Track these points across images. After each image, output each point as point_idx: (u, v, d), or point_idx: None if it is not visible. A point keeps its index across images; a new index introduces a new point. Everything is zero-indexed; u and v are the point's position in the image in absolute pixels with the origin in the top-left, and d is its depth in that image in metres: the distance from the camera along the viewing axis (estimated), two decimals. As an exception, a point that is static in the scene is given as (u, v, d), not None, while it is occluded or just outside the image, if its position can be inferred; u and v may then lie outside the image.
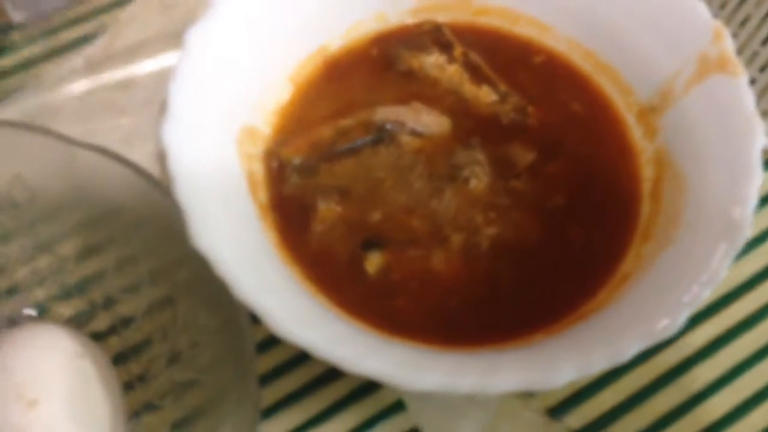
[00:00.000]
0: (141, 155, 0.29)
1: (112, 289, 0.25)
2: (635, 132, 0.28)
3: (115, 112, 0.31)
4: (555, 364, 0.22)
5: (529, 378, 0.21)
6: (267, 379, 0.25)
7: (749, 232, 0.23)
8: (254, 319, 0.22)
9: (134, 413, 0.24)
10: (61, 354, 0.22)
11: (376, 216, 0.27)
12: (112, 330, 0.25)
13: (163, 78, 0.32)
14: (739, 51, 0.30)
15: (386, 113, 0.29)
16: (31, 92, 0.32)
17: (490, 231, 0.26)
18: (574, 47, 0.30)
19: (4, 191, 0.26)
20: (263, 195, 0.27)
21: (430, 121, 0.29)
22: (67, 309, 0.26)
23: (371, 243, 0.26)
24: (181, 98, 0.25)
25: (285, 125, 0.29)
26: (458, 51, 0.30)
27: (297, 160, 0.28)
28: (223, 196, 0.25)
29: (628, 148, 0.28)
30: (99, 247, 0.26)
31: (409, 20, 0.31)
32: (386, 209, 0.27)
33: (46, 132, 0.27)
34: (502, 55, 0.31)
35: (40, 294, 0.26)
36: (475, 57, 0.30)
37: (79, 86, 0.32)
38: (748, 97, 0.25)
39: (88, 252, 0.26)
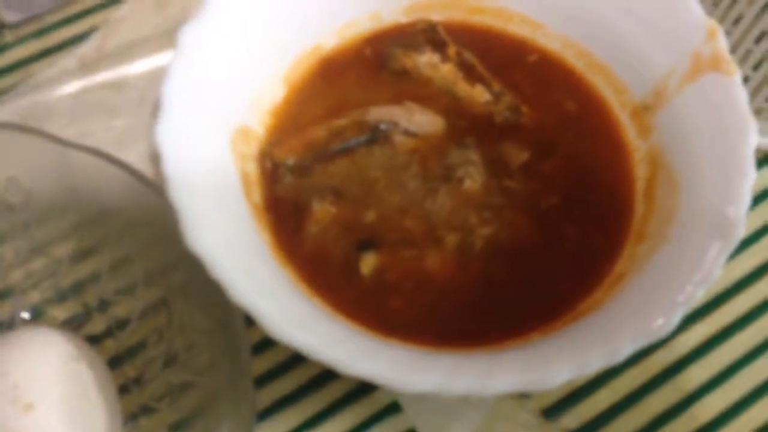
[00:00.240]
0: (134, 156, 0.29)
1: (107, 292, 0.25)
2: (629, 131, 0.28)
3: (108, 113, 0.31)
4: (550, 364, 0.22)
5: (524, 379, 0.21)
6: (262, 380, 0.25)
7: (743, 231, 0.23)
8: (249, 321, 0.22)
9: (131, 416, 0.24)
10: (56, 357, 0.22)
11: (370, 216, 0.27)
12: (107, 333, 0.25)
13: (156, 78, 0.32)
14: (732, 49, 0.30)
15: (380, 113, 0.29)
16: (23, 92, 0.32)
17: (485, 231, 0.26)
18: (568, 46, 0.30)
19: (5, 194, 0.26)
20: (257, 195, 0.27)
21: (424, 121, 0.29)
22: (62, 312, 0.25)
23: (366, 244, 0.26)
24: (174, 98, 0.25)
25: (279, 125, 0.29)
26: (452, 50, 0.30)
27: (291, 161, 0.28)
28: (217, 196, 0.25)
29: (622, 147, 0.28)
30: (93, 249, 0.26)
31: (403, 19, 0.31)
32: (380, 209, 0.27)
33: (40, 134, 0.26)
34: (496, 54, 0.31)
35: (34, 297, 0.26)
36: (468, 56, 0.30)
37: (72, 86, 0.32)
38: (741, 95, 0.25)
39: (82, 254, 0.26)
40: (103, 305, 0.26)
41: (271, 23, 0.28)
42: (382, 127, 0.28)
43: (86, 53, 0.33)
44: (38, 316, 0.26)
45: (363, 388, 0.26)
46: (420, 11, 0.31)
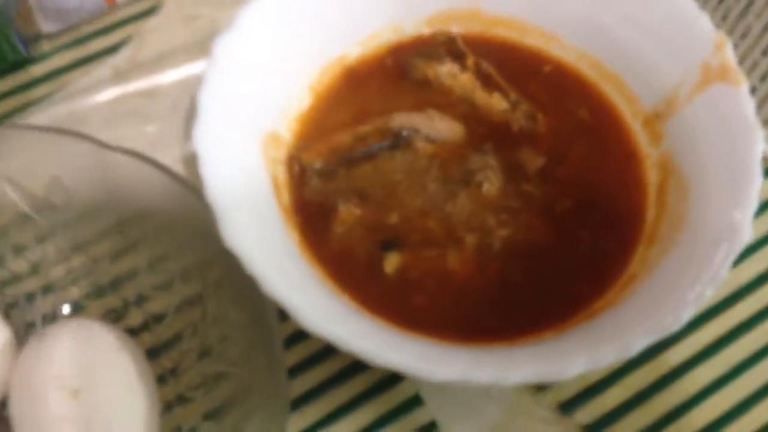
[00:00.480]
0: (168, 159, 0.31)
1: (145, 287, 0.27)
2: (641, 138, 0.30)
3: (142, 119, 0.33)
4: (566, 357, 0.23)
5: (541, 370, 0.23)
6: (294, 372, 0.27)
7: (749, 236, 0.24)
8: (282, 315, 0.23)
9: (167, 405, 0.25)
10: (100, 347, 0.24)
11: (393, 218, 0.28)
12: (144, 326, 0.26)
13: (187, 86, 0.34)
14: (740, 61, 0.31)
15: (402, 120, 0.30)
16: (60, 100, 0.33)
17: (503, 232, 0.27)
18: (582, 57, 0.31)
19: (42, 194, 0.27)
20: (286, 197, 0.28)
21: (444, 128, 0.30)
22: (101, 306, 0.27)
23: (389, 244, 0.27)
24: (209, 105, 0.26)
25: (306, 131, 0.30)
26: (470, 60, 0.32)
27: (317, 165, 0.29)
28: (249, 197, 0.26)
29: (634, 153, 0.29)
30: (132, 247, 0.27)
31: (424, 31, 0.32)
32: (403, 212, 0.28)
33: (82, 137, 0.28)
34: (513, 64, 0.32)
35: (75, 292, 0.27)
36: (486, 66, 0.32)
37: (107, 94, 0.33)
38: (748, 105, 0.26)
39: (121, 251, 0.27)
40: (141, 300, 0.27)
41: (299, 34, 0.30)
42: (404, 133, 0.30)
43: (120, 63, 0.34)
44: (78, 311, 0.27)
45: (388, 381, 0.27)
46: (440, 23, 0.32)
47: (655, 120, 0.29)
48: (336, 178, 0.29)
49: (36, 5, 0.33)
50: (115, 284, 0.27)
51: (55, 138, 0.28)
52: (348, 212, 0.28)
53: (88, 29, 0.35)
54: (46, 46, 0.34)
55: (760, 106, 0.32)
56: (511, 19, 0.32)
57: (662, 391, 0.27)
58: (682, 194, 0.27)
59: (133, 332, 0.26)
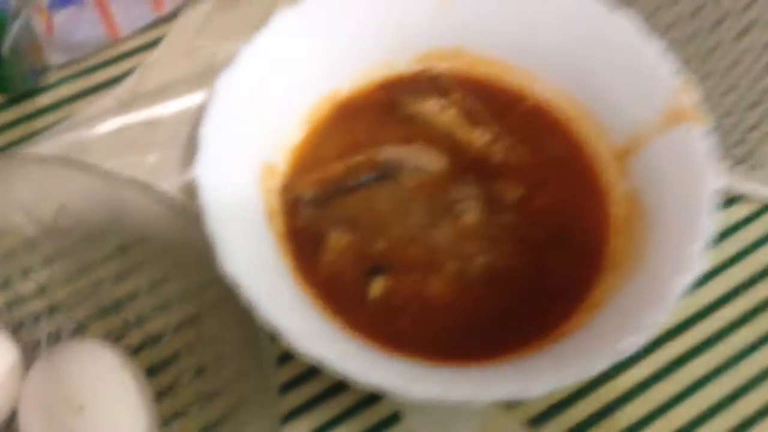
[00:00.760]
0: (167, 187, 0.33)
1: (144, 309, 0.28)
2: (609, 172, 0.32)
3: (143, 148, 0.34)
4: (535, 377, 0.25)
5: (512, 389, 0.25)
6: (285, 388, 0.28)
7: (701, 267, 0.26)
8: (273, 337, 0.25)
9: (165, 420, 0.27)
10: (103, 366, 0.25)
11: (380, 245, 0.30)
12: (143, 345, 0.28)
13: (185, 117, 0.36)
14: (703, 101, 0.34)
15: (390, 152, 0.32)
16: (65, 129, 0.35)
17: (481, 260, 0.30)
18: (557, 95, 0.34)
19: (49, 220, 0.29)
20: (280, 225, 0.30)
21: (429, 160, 0.32)
22: (103, 327, 0.28)
23: (375, 269, 0.29)
24: (210, 139, 0.28)
25: (300, 162, 0.32)
26: (455, 96, 0.34)
27: (310, 194, 0.31)
28: (245, 225, 0.28)
29: (603, 186, 0.31)
30: (133, 270, 0.29)
31: (413, 68, 0.34)
32: (389, 239, 0.30)
33: (88, 167, 0.30)
34: (494, 100, 0.34)
35: (79, 313, 0.29)
36: (469, 102, 0.34)
37: (110, 124, 0.35)
38: (706, 145, 0.29)
39: (123, 275, 0.29)
40: (140, 321, 0.29)
41: (294, 71, 0.32)
42: (392, 165, 0.32)
43: (123, 94, 0.36)
44: (82, 331, 0.29)
45: (369, 399, 0.29)
46: (428, 61, 0.34)
47: (622, 156, 0.32)
48: (327, 207, 0.31)
49: (45, 39, 0.35)
50: (117, 306, 0.29)
51: (62, 168, 0.29)
52: (338, 239, 0.30)
53: (92, 61, 0.37)
54: (52, 76, 0.36)
55: (720, 144, 0.34)
56: (493, 58, 0.34)
57: (624, 407, 0.29)
58: (644, 227, 0.29)
59: (133, 351, 0.28)
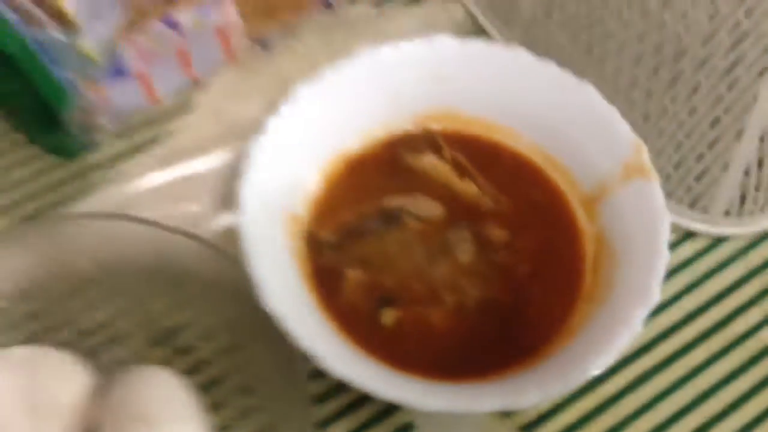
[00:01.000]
0: (206, 234, 0.38)
1: (191, 338, 0.34)
2: (581, 216, 0.36)
3: (182, 201, 0.39)
4: (524, 390, 0.30)
5: (505, 401, 0.30)
6: (316, 402, 0.33)
7: (657, 297, 0.31)
8: (304, 358, 0.30)
9: (214, 432, 0.32)
10: (166, 387, 0.30)
11: (389, 281, 0.35)
12: (192, 370, 0.33)
13: (215, 172, 0.41)
14: (659, 153, 0.40)
15: (394, 201, 0.37)
16: (113, 184, 0.39)
17: (475, 293, 0.34)
18: (535, 149, 0.38)
19: (113, 264, 0.34)
20: (305, 265, 0.35)
21: (428, 207, 0.38)
22: (157, 354, 0.34)
23: (386, 301, 0.35)
24: (247, 196, 0.33)
25: (318, 211, 0.37)
26: (447, 153, 0.39)
27: (328, 238, 0.36)
28: (277, 266, 0.33)
29: (576, 229, 0.36)
30: (181, 305, 0.34)
31: (410, 128, 0.39)
32: (397, 275, 0.35)
33: (139, 219, 0.35)
34: (481, 155, 0.38)
35: (136, 342, 0.34)
36: (460, 157, 0.38)
37: (151, 179, 0.39)
38: (659, 195, 0.34)
39: (173, 309, 0.34)
40: (189, 349, 0.34)
41: (312, 135, 0.37)
42: (397, 212, 0.37)
43: (162, 152, 0.41)
44: (139, 359, 0.34)
45: (386, 410, 0.33)
46: (423, 122, 0.39)
47: (591, 202, 0.37)
48: (343, 249, 0.36)
49: (96, 107, 0.40)
50: (168, 336, 0.34)
51: (118, 220, 0.35)
52: (354, 277, 0.35)
53: (136, 123, 0.41)
54: (100, 137, 0.40)
55: (673, 190, 0.40)
56: (480, 118, 0.39)
57: (602, 414, 0.34)
58: (611, 263, 0.34)
59: (184, 374, 0.33)
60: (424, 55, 0.38)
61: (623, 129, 0.36)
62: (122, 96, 0.41)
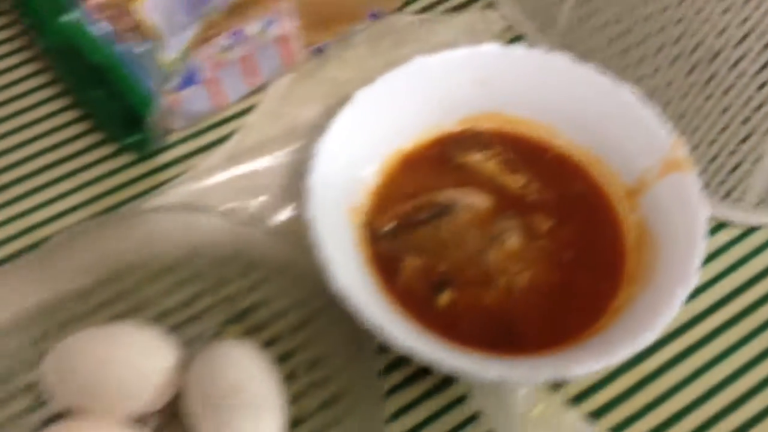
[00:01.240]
0: (271, 224, 0.41)
1: (267, 316, 0.37)
2: (621, 207, 0.38)
3: (249, 195, 0.41)
4: (573, 363, 0.33)
5: (555, 372, 0.33)
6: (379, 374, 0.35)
7: (697, 280, 0.33)
8: (371, 335, 0.33)
9: (290, 400, 0.34)
10: (248, 358, 0.33)
11: (443, 266, 0.37)
12: (266, 344, 0.36)
13: (277, 169, 0.43)
14: (694, 148, 0.42)
15: (446, 195, 0.39)
16: (185, 180, 0.42)
17: (524, 275, 0.37)
18: (576, 147, 0.40)
19: (190, 252, 0.37)
20: (366, 252, 0.38)
21: (478, 200, 0.40)
22: (234, 331, 0.37)
23: (441, 284, 0.37)
24: (315, 189, 0.36)
25: (377, 203, 0.39)
26: (494, 149, 0.41)
27: (386, 228, 0.39)
28: (343, 253, 0.36)
29: (617, 218, 0.38)
30: (254, 287, 0.37)
31: (459, 128, 0.41)
32: (450, 261, 0.38)
33: (213, 212, 0.38)
34: (526, 151, 0.40)
35: (215, 320, 0.37)
36: (506, 153, 0.40)
37: (220, 176, 0.42)
38: (696, 187, 0.36)
39: (246, 291, 0.37)
40: (263, 325, 0.37)
41: (370, 135, 0.39)
42: (449, 204, 0.40)
43: (230, 150, 0.43)
44: (218, 335, 0.37)
45: (444, 382, 0.36)
46: (471, 122, 0.42)
47: (631, 194, 0.39)
48: (400, 238, 0.38)
49: (168, 108, 0.44)
50: (244, 315, 0.37)
51: (195, 212, 0.38)
52: (411, 263, 0.37)
53: (205, 124, 0.43)
54: (174, 137, 0.43)
55: (708, 182, 0.42)
56: (524, 118, 0.41)
57: (644, 387, 0.37)
58: (652, 249, 0.36)
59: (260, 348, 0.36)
60: (471, 61, 0.40)
61: (660, 127, 0.39)
62: (193, 100, 0.44)
